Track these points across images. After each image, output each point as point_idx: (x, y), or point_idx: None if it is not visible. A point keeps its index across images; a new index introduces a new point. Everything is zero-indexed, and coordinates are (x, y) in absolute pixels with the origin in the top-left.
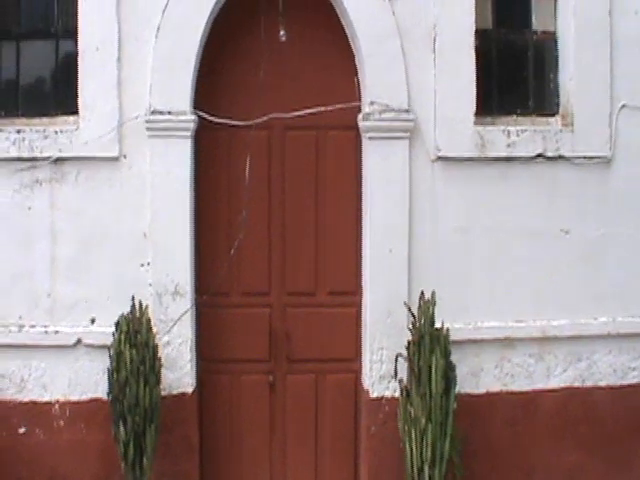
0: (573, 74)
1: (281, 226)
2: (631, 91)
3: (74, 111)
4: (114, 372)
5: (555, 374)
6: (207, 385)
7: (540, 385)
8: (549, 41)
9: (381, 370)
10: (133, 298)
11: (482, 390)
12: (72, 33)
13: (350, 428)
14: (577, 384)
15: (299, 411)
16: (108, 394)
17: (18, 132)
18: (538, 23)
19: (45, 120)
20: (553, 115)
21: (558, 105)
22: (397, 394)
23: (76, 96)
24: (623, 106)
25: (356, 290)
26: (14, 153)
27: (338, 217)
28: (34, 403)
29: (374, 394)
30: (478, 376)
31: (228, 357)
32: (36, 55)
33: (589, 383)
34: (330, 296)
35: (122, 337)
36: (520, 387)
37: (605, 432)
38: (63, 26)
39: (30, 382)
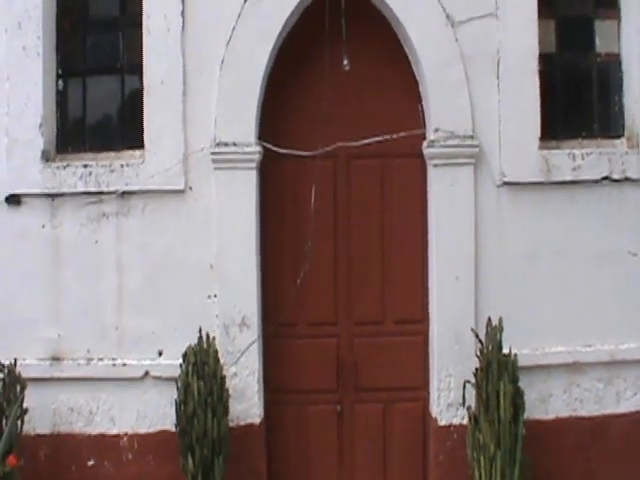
0: (638, 95)
1: (347, 255)
2: None
3: (140, 145)
4: (182, 404)
5: (625, 398)
6: (275, 416)
7: (610, 410)
8: (613, 63)
9: (449, 398)
10: (200, 330)
11: (551, 416)
12: (137, 68)
13: (418, 456)
14: None
15: (367, 440)
16: (176, 426)
17: (85, 167)
18: (602, 45)
19: (111, 154)
20: (619, 137)
21: (624, 127)
22: (465, 421)
23: (142, 130)
24: None
25: (423, 318)
26: (81, 188)
27: (404, 245)
28: (102, 436)
29: (442, 422)
30: (547, 402)
31: (295, 387)
32: (102, 90)
33: None
34: (397, 325)
35: (190, 368)
36: (589, 412)
37: None
38: (128, 61)
39: (98, 415)
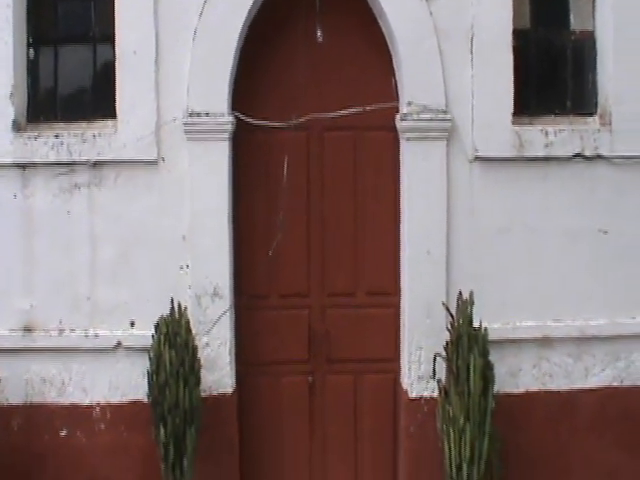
0: (612, 73)
1: (319, 227)
2: None
3: (112, 115)
4: (154, 374)
5: (593, 373)
6: (246, 386)
7: (579, 385)
8: (588, 40)
9: (420, 370)
10: (172, 300)
11: (521, 390)
12: (109, 38)
13: (389, 428)
14: (615, 384)
15: (338, 411)
16: (148, 396)
17: (56, 137)
18: (576, 22)
19: (83, 124)
20: (591, 115)
21: (596, 105)
22: (436, 394)
23: (114, 100)
24: None
25: (395, 291)
26: (53, 158)
27: (376, 218)
28: (75, 406)
29: (413, 394)
30: (517, 376)
31: (267, 358)
32: (74, 60)
33: (627, 383)
34: (369, 297)
35: (161, 339)
36: (559, 387)
37: None
38: (100, 31)
39: (71, 385)
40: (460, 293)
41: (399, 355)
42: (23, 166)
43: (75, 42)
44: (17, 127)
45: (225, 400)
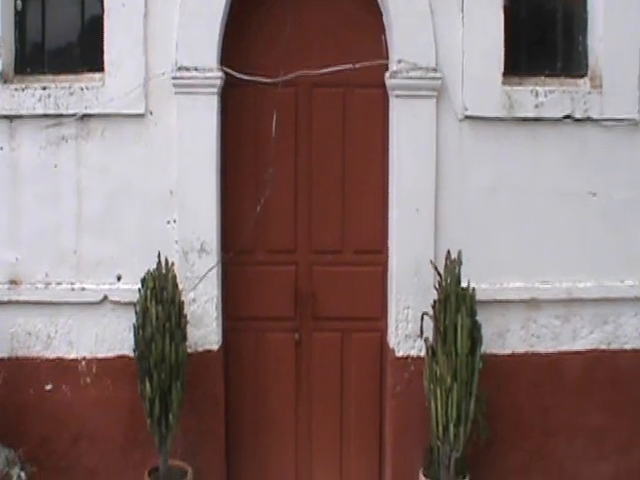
0: (602, 35)
1: (307, 184)
2: None
3: (100, 68)
4: (140, 328)
5: (581, 336)
6: (233, 342)
7: (566, 347)
8: (578, 2)
9: (407, 329)
10: (159, 255)
11: (508, 351)
12: None
13: (375, 387)
14: (603, 346)
15: (324, 369)
16: (134, 350)
17: (44, 89)
18: None
19: (71, 77)
20: (582, 76)
21: (587, 66)
22: (423, 353)
23: (102, 53)
24: None
25: (382, 249)
26: (40, 110)
27: (365, 175)
28: (60, 360)
29: (399, 353)
30: (504, 337)
31: (254, 315)
32: (62, 12)
33: (615, 346)
34: (356, 254)
35: (148, 293)
36: (546, 348)
37: (630, 394)
38: None
39: (56, 339)
40: (448, 252)
41: (386, 314)
42: (10, 118)
43: None
44: (4, 79)
45: (211, 356)
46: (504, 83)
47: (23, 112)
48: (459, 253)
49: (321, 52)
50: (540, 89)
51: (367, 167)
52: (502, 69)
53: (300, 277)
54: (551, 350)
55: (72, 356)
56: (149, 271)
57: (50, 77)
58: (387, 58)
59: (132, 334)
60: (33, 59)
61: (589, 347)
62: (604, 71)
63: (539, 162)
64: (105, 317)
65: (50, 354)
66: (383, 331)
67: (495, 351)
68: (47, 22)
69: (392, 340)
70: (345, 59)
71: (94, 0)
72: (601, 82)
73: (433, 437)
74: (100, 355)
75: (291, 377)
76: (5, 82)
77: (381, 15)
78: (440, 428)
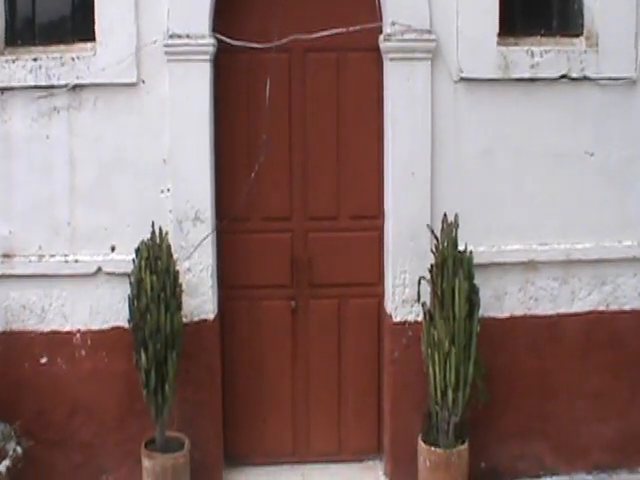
0: None
1: (302, 150)
2: None
3: (91, 38)
4: (135, 299)
5: (579, 298)
6: (229, 312)
7: (564, 309)
8: None
9: (404, 294)
10: (153, 224)
11: (506, 314)
12: None
13: (373, 353)
14: (601, 308)
15: (322, 336)
16: (129, 321)
17: (35, 60)
18: None
19: (62, 47)
20: (578, 36)
21: (583, 26)
22: (420, 318)
23: (93, 22)
24: None
25: (378, 214)
26: (31, 81)
27: (360, 140)
28: (55, 333)
29: (397, 318)
30: (502, 300)
31: (249, 283)
32: None
33: (614, 307)
34: (352, 220)
35: (142, 264)
36: (544, 311)
37: (629, 356)
38: None
39: (51, 312)
40: (445, 215)
41: (383, 279)
42: (1, 90)
43: None
44: None
45: (207, 326)
46: (499, 44)
47: (14, 84)
48: (456, 216)
49: (314, 17)
50: (536, 49)
51: (362, 132)
52: (497, 30)
53: (296, 244)
54: (549, 312)
55: (67, 329)
56: (143, 241)
57: (41, 48)
58: (381, 21)
59: (127, 305)
60: (24, 31)
61: (588, 309)
62: (600, 30)
63: (535, 123)
64: (99, 289)
65: (45, 327)
66: (380, 297)
67: (493, 314)
68: None
69: (389, 306)
70: (339, 23)
71: None
72: (597, 41)
73: (432, 402)
74: (95, 327)
75: (288, 345)
76: None
77: None
78: (439, 393)
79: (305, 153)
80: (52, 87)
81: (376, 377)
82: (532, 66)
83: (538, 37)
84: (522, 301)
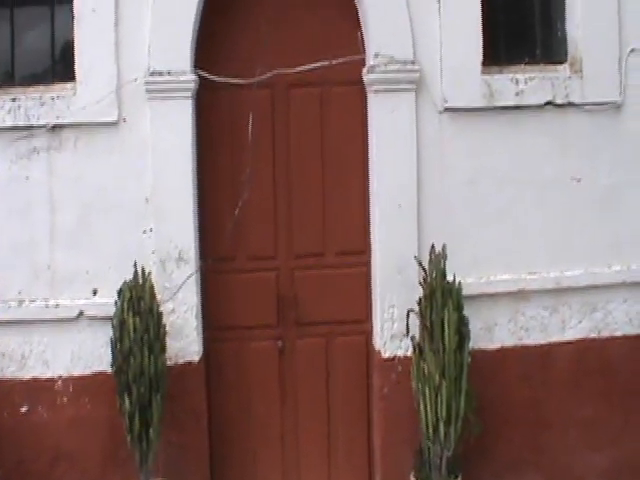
0: (580, 20)
1: (286, 187)
2: None
3: (72, 78)
4: (117, 341)
5: (570, 326)
6: (214, 353)
7: (555, 338)
8: None
9: (392, 329)
10: (136, 264)
11: (496, 345)
12: None
13: (362, 391)
14: (593, 335)
15: (310, 376)
16: (112, 365)
17: (13, 100)
18: None
19: (41, 87)
20: (562, 62)
21: (566, 52)
22: (409, 353)
23: (73, 62)
24: (632, 50)
25: (365, 249)
26: (10, 122)
27: (345, 175)
28: (36, 380)
29: (386, 354)
30: (492, 331)
31: (235, 324)
32: (31, 22)
33: (605, 333)
34: (339, 256)
35: (125, 305)
36: (535, 340)
37: (622, 382)
38: None
39: (31, 359)
40: (433, 246)
41: (371, 315)
42: None
43: (32, 3)
44: None
45: (192, 368)
46: (483, 72)
47: None
48: (443, 247)
49: (297, 51)
50: (520, 77)
51: (347, 166)
52: (481, 58)
53: (282, 283)
54: (541, 342)
55: (48, 375)
56: (125, 282)
57: (20, 89)
58: (364, 53)
59: (109, 350)
60: (2, 72)
61: (579, 336)
62: (584, 55)
63: (522, 151)
64: (81, 333)
65: (25, 375)
66: (369, 333)
67: (483, 346)
68: (16, 33)
69: (378, 341)
70: (321, 57)
71: (64, 8)
72: (581, 67)
73: (423, 438)
74: (77, 373)
75: (275, 386)
76: None
77: (356, 10)
78: (430, 428)
79: (289, 190)
80: (31, 127)
81: (366, 414)
82: (517, 94)
83: (522, 65)
84: (513, 331)
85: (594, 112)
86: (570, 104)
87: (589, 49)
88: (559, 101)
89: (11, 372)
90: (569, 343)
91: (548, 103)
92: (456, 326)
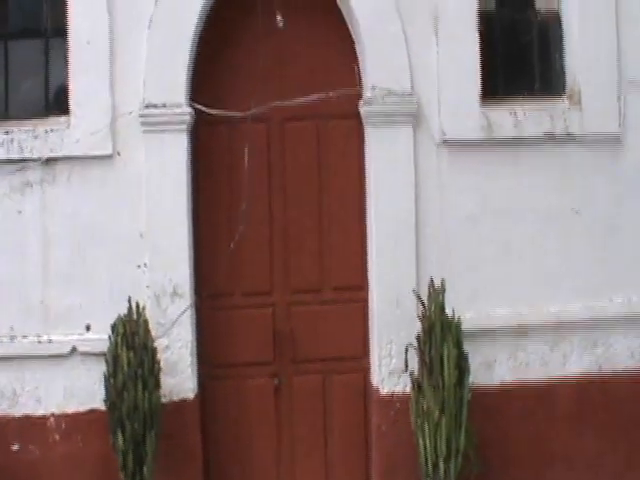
0: (579, 52)
1: (283, 221)
2: (638, 66)
3: (65, 111)
4: (111, 377)
5: (571, 361)
6: (209, 390)
7: (556, 373)
8: (553, 20)
9: (390, 365)
10: (130, 299)
11: (496, 381)
12: (62, 31)
13: (360, 428)
14: (595, 370)
15: (307, 414)
16: (105, 401)
17: (6, 133)
18: (542, 2)
19: (35, 121)
20: (560, 94)
21: (565, 84)
22: (408, 390)
23: (67, 96)
24: (631, 81)
25: (362, 284)
26: (3, 155)
27: (342, 209)
28: (28, 418)
29: (384, 391)
30: (492, 367)
31: (231, 360)
32: (25, 55)
33: (607, 368)
34: (335, 292)
35: (119, 340)
36: (536, 376)
37: (625, 417)
38: (53, 23)
39: (23, 395)
40: (432, 280)
41: (368, 352)
42: None
43: (26, 37)
44: None
45: (187, 405)
46: (482, 105)
47: None
48: (442, 281)
49: (293, 83)
50: (519, 109)
51: (344, 200)
52: (479, 91)
53: (278, 319)
54: (541, 377)
55: (40, 413)
56: (119, 316)
57: (14, 122)
58: (361, 86)
59: (102, 386)
60: None
61: (580, 371)
62: (583, 87)
63: (521, 183)
64: (74, 370)
65: (16, 412)
66: (366, 370)
67: (483, 382)
68: (10, 66)
69: (376, 378)
70: (318, 90)
71: (58, 40)
72: (580, 98)
73: (422, 475)
74: (69, 410)
75: (272, 424)
76: None
77: (353, 43)
78: (430, 465)
79: (286, 224)
80: (25, 161)
81: (364, 452)
82: (515, 125)
83: (520, 97)
84: (513, 367)
85: (594, 144)
86: (569, 136)
87: (588, 80)
88: (558, 133)
89: (3, 409)
90: (571, 378)
91: (547, 135)
92: (456, 361)
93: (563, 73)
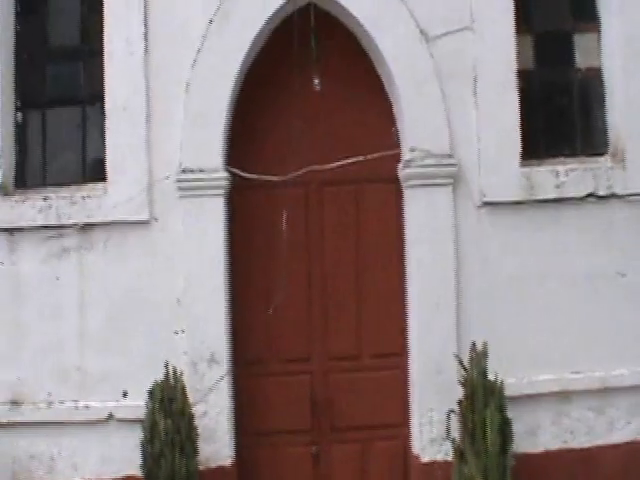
0: (622, 109)
1: (321, 287)
2: None
3: (102, 177)
4: (148, 443)
5: (618, 428)
6: (247, 458)
7: (602, 440)
8: (594, 77)
9: (431, 433)
10: (167, 365)
11: (540, 449)
12: (99, 98)
13: None
14: None
15: None
16: (142, 468)
17: (45, 199)
18: (582, 59)
19: (72, 187)
20: (602, 154)
21: (607, 143)
22: (449, 457)
23: (104, 162)
24: None
25: (402, 351)
26: (40, 221)
27: (381, 274)
28: None
29: (425, 459)
30: (535, 434)
31: (268, 428)
32: (63, 122)
33: None
34: (374, 359)
35: (156, 406)
36: (580, 444)
37: None
38: (89, 91)
39: (60, 462)
40: (473, 344)
41: (408, 419)
42: (10, 231)
43: (64, 104)
44: (4, 192)
45: (224, 472)
46: (522, 165)
47: (23, 224)
48: (484, 344)
49: (331, 147)
50: (560, 168)
51: (383, 265)
52: (519, 151)
53: (316, 386)
54: (586, 445)
55: (76, 479)
56: (157, 382)
57: (51, 188)
58: (399, 148)
59: (139, 453)
60: (34, 171)
61: (628, 439)
62: (627, 145)
63: (563, 245)
64: (111, 436)
65: (53, 478)
66: (406, 437)
67: (526, 450)
68: (48, 133)
69: (416, 446)
70: (355, 153)
71: (95, 107)
72: (624, 157)
73: None
74: (106, 477)
75: None
76: (5, 195)
77: (390, 104)
78: None
79: (324, 290)
80: (62, 227)
81: None
82: (557, 186)
83: (562, 157)
84: (557, 434)
85: (638, 203)
86: (613, 195)
87: (632, 137)
88: (601, 193)
89: (39, 476)
90: (617, 446)
91: (590, 195)
92: (499, 427)
93: (606, 131)
